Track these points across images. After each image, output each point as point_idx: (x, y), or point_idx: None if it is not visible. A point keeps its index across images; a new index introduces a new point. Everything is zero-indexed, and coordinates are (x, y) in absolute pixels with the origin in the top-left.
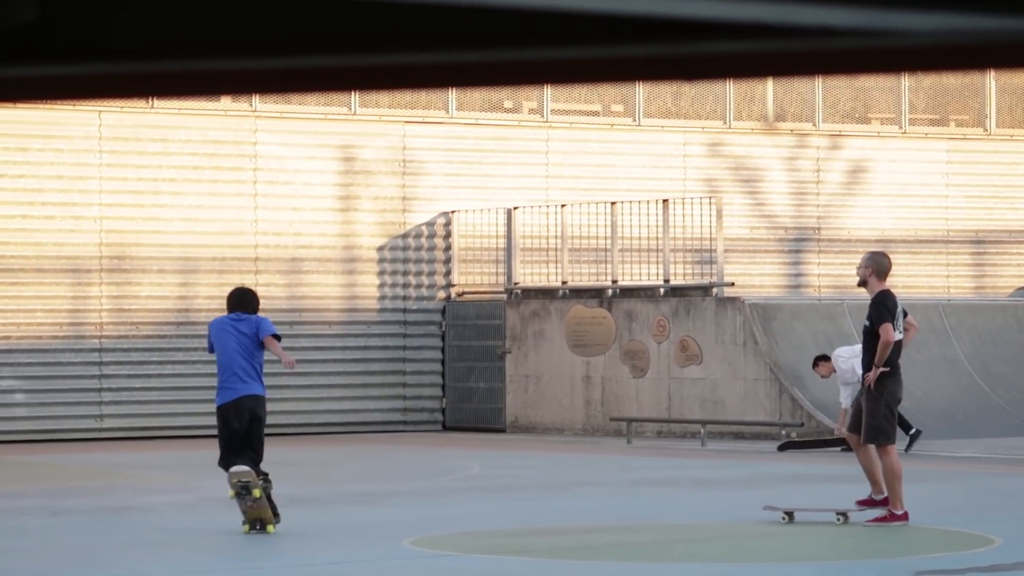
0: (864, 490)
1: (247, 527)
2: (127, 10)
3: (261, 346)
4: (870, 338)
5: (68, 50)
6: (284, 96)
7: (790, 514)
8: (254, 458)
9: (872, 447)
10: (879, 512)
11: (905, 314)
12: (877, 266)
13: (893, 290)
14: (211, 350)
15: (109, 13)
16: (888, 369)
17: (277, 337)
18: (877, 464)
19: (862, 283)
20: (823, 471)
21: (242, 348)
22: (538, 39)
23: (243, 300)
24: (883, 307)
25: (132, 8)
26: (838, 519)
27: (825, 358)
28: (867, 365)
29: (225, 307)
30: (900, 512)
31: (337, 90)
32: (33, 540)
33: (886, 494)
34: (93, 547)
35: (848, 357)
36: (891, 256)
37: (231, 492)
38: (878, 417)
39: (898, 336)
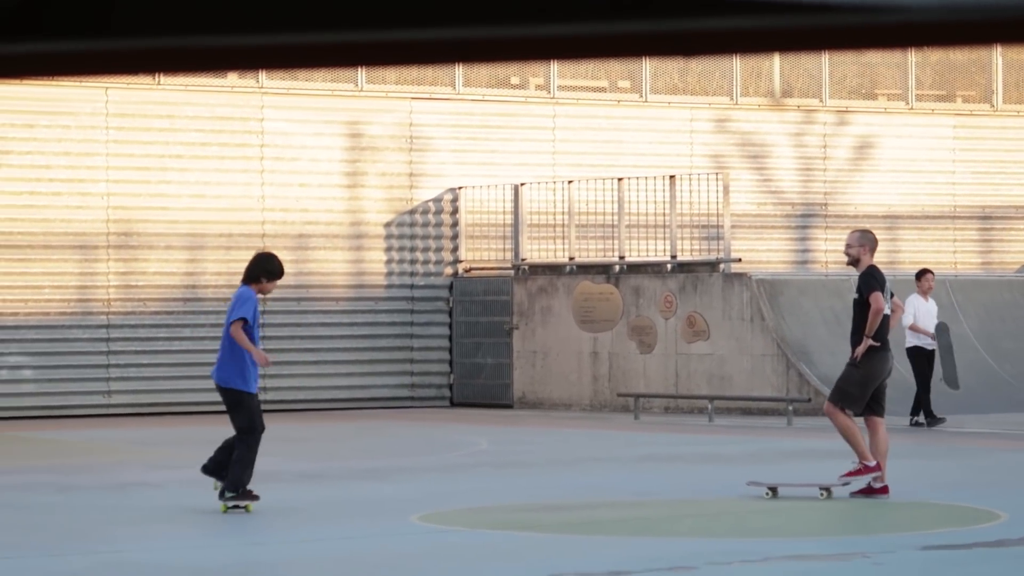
0: (885, 469)
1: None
2: None
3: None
4: (860, 311)
5: (63, 26)
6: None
7: (774, 489)
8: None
9: (873, 426)
10: (860, 482)
11: (892, 294)
12: (871, 244)
13: (900, 266)
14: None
15: None
16: (878, 344)
17: (246, 322)
18: (881, 442)
19: (854, 262)
20: (829, 446)
21: (226, 323)
22: (542, 15)
23: (248, 266)
24: (872, 278)
25: None
26: (821, 494)
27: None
28: (856, 339)
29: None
30: (872, 463)
31: (343, 66)
32: (40, 516)
33: (873, 463)
34: (100, 523)
35: (910, 312)
36: (898, 232)
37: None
38: (851, 383)
39: (887, 311)
